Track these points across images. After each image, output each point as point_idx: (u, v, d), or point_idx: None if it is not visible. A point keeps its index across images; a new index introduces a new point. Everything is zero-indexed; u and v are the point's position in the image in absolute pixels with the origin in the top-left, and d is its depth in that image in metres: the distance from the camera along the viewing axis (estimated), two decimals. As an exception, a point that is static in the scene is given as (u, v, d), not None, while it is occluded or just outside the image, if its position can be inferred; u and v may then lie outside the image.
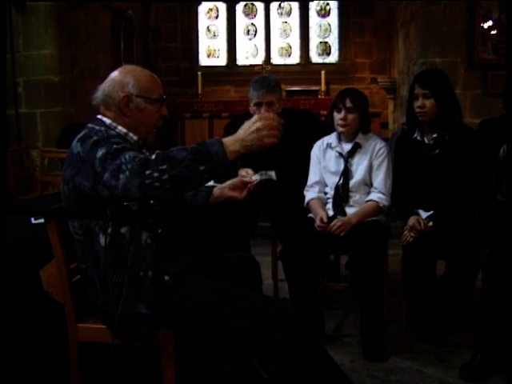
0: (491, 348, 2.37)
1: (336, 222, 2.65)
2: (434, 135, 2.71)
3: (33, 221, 2.27)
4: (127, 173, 1.58)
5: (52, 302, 1.87)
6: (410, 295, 2.72)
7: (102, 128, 1.80)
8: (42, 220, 2.14)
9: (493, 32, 5.24)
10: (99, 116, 1.88)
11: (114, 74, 1.90)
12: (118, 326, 1.74)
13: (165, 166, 1.57)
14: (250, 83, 3.11)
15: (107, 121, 1.86)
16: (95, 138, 1.71)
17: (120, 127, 1.86)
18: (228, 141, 1.64)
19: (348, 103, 2.74)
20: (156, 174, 1.56)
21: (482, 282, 2.57)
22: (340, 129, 2.80)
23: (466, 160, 2.66)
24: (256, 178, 2.14)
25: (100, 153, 1.66)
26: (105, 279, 1.76)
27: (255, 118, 1.67)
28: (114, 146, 1.66)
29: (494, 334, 2.35)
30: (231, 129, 3.27)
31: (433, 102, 2.64)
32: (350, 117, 2.76)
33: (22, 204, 3.11)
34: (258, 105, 3.02)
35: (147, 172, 1.57)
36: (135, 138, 1.89)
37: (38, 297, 1.91)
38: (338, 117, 2.78)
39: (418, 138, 2.75)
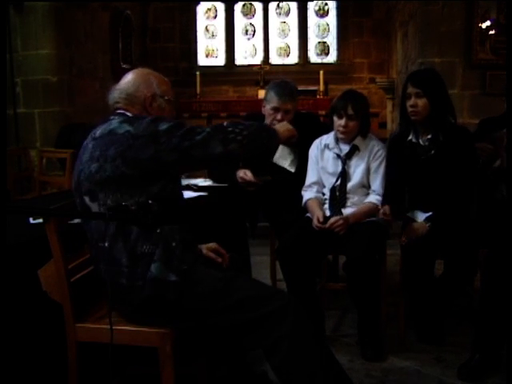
0: (489, 348, 2.38)
1: (338, 220, 2.64)
2: (429, 136, 2.69)
3: (31, 221, 2.27)
4: (208, 129, 1.76)
5: (50, 302, 1.87)
6: (408, 295, 2.73)
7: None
8: (40, 220, 2.15)
9: (491, 32, 5.23)
10: (121, 111, 1.91)
11: (134, 75, 1.97)
12: (146, 292, 1.74)
13: (241, 126, 1.80)
14: (269, 85, 3.08)
15: (131, 115, 1.89)
16: (149, 117, 1.81)
17: None
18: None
19: (350, 110, 2.71)
20: (237, 130, 1.77)
21: (480, 281, 2.57)
22: (340, 135, 2.79)
23: (461, 160, 2.65)
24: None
25: (164, 126, 1.75)
26: (134, 252, 1.76)
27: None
28: (178, 121, 1.79)
29: (492, 333, 2.36)
30: None
31: (425, 102, 2.62)
32: (351, 124, 2.73)
33: (20, 204, 3.11)
34: (276, 110, 2.97)
35: (229, 128, 1.77)
36: None
37: (37, 297, 1.91)
38: (338, 123, 2.76)
39: (413, 140, 2.74)
